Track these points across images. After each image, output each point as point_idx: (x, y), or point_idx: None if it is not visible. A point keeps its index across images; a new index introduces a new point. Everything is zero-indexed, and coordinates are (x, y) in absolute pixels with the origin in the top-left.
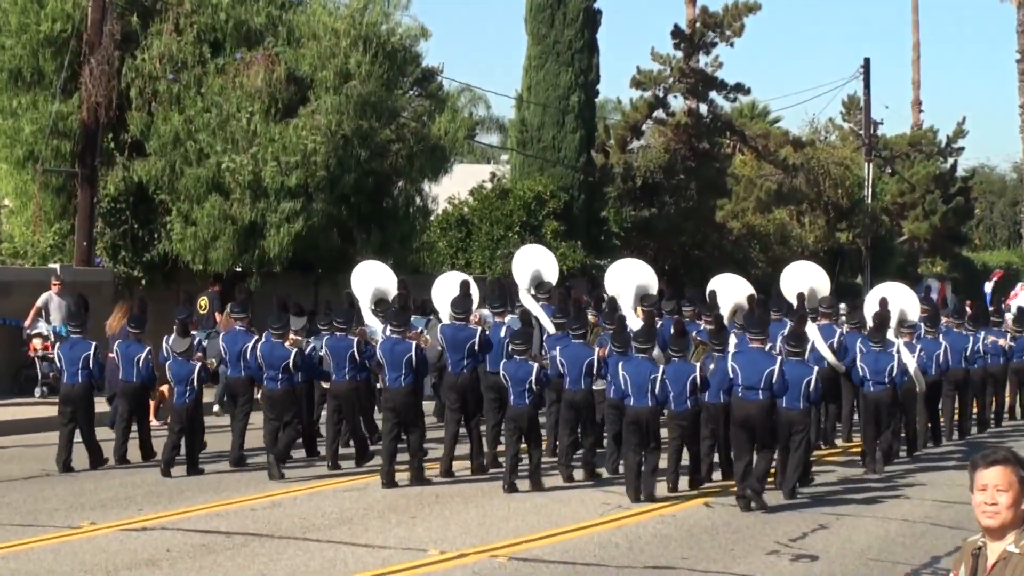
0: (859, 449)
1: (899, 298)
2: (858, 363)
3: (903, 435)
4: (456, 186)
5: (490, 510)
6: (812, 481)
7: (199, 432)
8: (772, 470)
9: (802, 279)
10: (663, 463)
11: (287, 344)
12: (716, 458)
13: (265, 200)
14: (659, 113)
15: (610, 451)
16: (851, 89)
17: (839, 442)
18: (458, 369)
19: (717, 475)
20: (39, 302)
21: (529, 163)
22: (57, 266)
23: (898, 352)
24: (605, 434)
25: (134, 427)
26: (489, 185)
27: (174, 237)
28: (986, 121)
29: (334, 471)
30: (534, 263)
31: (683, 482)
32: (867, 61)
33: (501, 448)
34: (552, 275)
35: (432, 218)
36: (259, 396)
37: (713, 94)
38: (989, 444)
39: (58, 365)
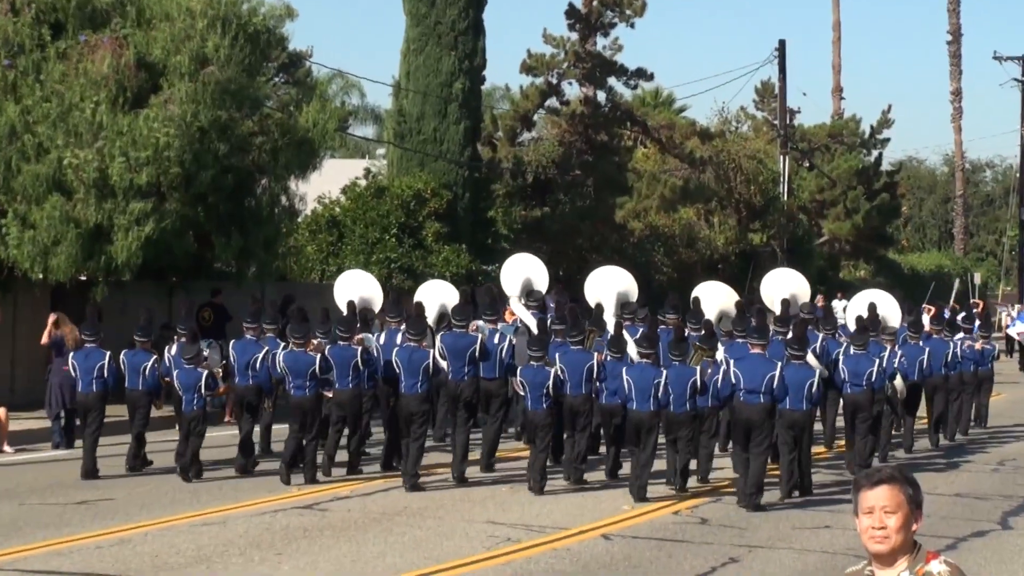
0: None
1: (881, 304)
2: (840, 365)
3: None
4: (326, 184)
5: (363, 545)
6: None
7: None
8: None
9: (782, 286)
10: (661, 465)
11: (309, 351)
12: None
13: (112, 200)
14: (552, 101)
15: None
16: (765, 75)
17: (819, 448)
18: (459, 376)
19: (720, 473)
20: None
21: (408, 158)
22: None
23: (889, 357)
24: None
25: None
26: (363, 182)
27: (10, 242)
28: (914, 109)
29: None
30: (524, 271)
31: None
32: (782, 43)
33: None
34: (542, 283)
35: (300, 219)
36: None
37: (612, 80)
38: (967, 449)
39: (73, 374)
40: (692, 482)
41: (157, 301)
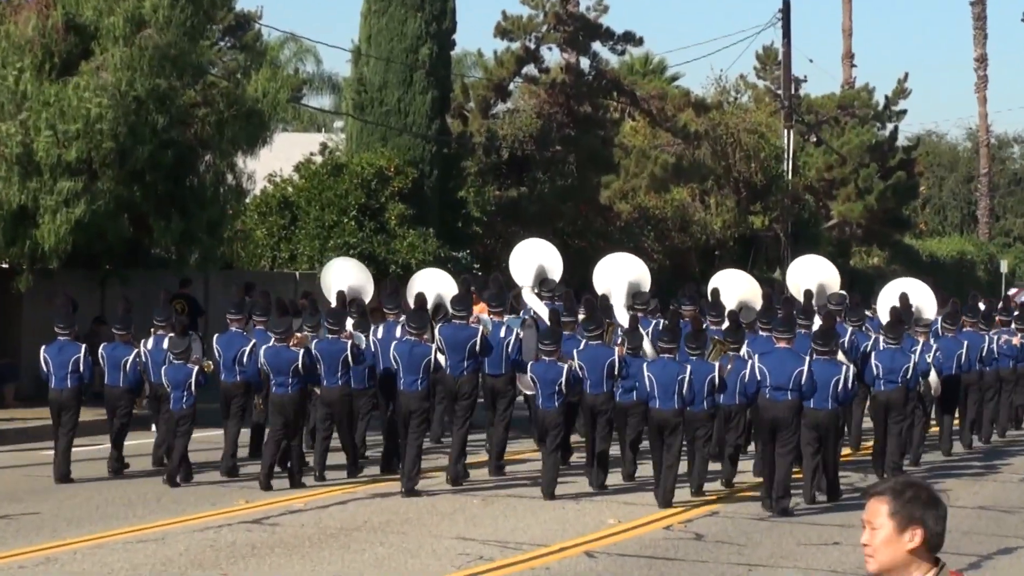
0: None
1: (914, 294)
2: (872, 361)
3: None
4: (278, 160)
5: (319, 563)
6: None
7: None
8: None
9: (810, 274)
10: (681, 467)
11: (292, 346)
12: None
13: (38, 179)
14: (530, 69)
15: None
16: (767, 39)
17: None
18: (458, 371)
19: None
20: None
21: (369, 131)
22: None
23: (922, 351)
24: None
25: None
26: (319, 159)
27: None
28: (934, 78)
29: (320, 482)
30: (537, 258)
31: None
32: (786, 4)
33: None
34: (556, 271)
35: (248, 200)
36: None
37: (596, 45)
38: (996, 456)
39: (45, 369)
40: (688, 487)
41: (89, 291)
